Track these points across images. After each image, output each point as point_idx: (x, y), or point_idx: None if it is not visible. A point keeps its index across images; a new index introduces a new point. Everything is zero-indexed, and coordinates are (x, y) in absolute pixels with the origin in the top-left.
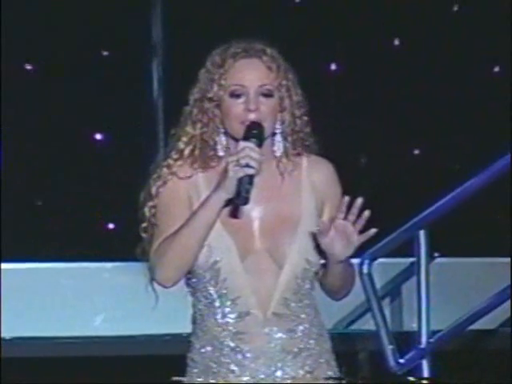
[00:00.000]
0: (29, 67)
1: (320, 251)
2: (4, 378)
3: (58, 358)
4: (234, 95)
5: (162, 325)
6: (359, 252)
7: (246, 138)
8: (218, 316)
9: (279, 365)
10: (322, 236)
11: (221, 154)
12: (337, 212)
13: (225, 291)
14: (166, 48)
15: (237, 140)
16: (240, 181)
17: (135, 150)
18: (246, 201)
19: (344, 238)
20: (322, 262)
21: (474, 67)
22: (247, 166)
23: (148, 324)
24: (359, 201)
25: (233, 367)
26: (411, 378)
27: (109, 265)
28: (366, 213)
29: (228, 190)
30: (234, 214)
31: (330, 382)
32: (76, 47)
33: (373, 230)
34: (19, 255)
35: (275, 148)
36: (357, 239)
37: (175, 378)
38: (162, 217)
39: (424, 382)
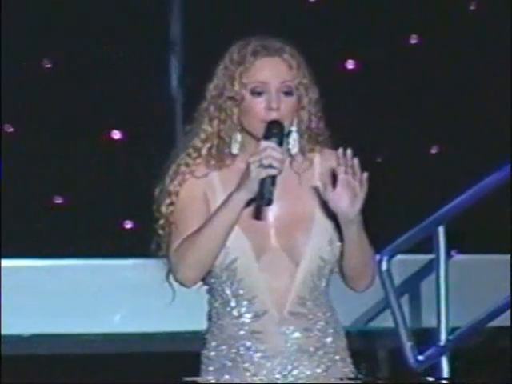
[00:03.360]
0: (47, 65)
1: (334, 248)
2: (23, 374)
3: (78, 354)
4: (255, 92)
5: (183, 322)
6: (378, 248)
7: (266, 137)
8: (234, 315)
9: (295, 364)
10: (326, 193)
11: (235, 151)
12: (336, 167)
13: (241, 291)
14: (184, 45)
15: (256, 138)
16: (262, 181)
17: (153, 148)
18: (269, 202)
19: (349, 192)
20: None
21: (492, 65)
22: (270, 166)
23: (168, 321)
24: (349, 152)
25: (248, 366)
26: (430, 379)
27: (129, 262)
28: (355, 161)
29: (250, 191)
30: (257, 216)
31: (345, 381)
32: (94, 45)
33: (365, 175)
34: (39, 252)
35: (290, 146)
36: (360, 190)
37: (187, 379)
38: (180, 217)
39: (443, 382)
